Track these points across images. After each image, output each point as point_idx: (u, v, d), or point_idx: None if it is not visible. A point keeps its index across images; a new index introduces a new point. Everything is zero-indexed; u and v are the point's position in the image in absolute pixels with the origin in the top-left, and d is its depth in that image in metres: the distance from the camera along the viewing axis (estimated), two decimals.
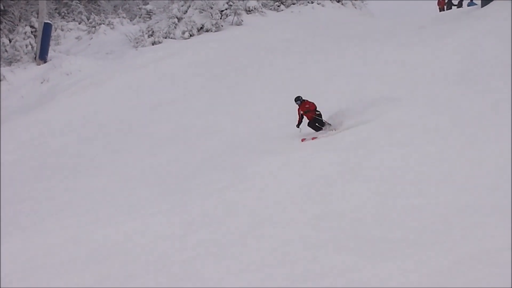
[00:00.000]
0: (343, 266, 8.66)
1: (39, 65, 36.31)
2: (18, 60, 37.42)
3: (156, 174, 19.36)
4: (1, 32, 40.00)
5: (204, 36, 37.38)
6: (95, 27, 44.21)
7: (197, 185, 16.89)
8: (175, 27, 38.69)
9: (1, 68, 36.39)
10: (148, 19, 44.57)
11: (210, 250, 10.93)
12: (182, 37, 37.99)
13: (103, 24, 44.19)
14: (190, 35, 38.10)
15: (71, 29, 45.57)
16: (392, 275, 8.16)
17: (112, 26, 43.97)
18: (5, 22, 41.61)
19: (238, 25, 38.97)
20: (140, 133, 24.58)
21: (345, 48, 28.92)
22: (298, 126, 19.97)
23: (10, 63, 37.69)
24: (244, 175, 16.62)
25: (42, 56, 36.58)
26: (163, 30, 38.51)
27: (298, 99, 20.01)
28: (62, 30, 45.18)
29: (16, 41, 38.58)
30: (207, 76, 29.61)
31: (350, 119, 19.06)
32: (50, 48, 37.34)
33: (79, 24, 46.58)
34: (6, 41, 39.09)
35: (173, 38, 37.96)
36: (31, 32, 38.81)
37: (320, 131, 19.69)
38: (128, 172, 20.52)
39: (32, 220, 17.11)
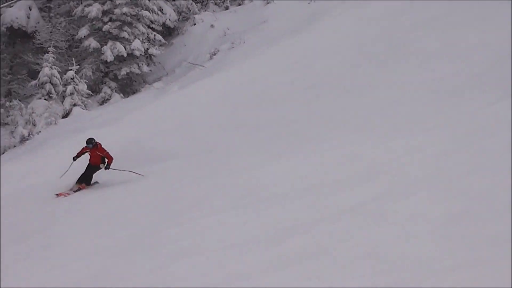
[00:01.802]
0: None
1: None
2: None
3: (429, 89, 18.76)
4: None
5: None
6: None
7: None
8: None
9: None
10: None
11: None
12: None
13: None
14: None
15: None
16: None
17: None
18: None
19: None
20: (406, 50, 24.00)
21: None
22: (74, 159, 19.19)
23: None
24: None
25: None
26: None
27: (90, 142, 18.97)
28: None
29: None
30: None
31: None
32: None
33: None
34: None
35: None
36: None
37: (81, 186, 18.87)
38: (401, 89, 20.14)
39: (307, 139, 17.48)
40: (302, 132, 18.99)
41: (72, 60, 33.58)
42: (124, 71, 34.51)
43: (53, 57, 32.81)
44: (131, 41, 34.33)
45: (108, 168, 19.16)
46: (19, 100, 32.65)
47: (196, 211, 12.99)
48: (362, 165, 13.07)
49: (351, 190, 11.38)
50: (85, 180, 19.20)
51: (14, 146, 29.27)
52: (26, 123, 30.48)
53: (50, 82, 32.17)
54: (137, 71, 34.84)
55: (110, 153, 19.16)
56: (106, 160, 19.16)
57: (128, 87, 35.54)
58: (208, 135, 21.96)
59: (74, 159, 19.29)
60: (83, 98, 31.96)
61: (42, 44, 35.62)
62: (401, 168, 11.98)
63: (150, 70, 35.80)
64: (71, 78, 31.91)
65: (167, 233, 11.74)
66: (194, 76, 30.12)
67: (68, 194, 18.69)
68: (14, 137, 29.88)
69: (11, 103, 32.02)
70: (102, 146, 19.21)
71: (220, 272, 8.69)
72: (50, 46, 33.39)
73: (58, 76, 32.36)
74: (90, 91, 32.98)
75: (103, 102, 34.00)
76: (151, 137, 22.90)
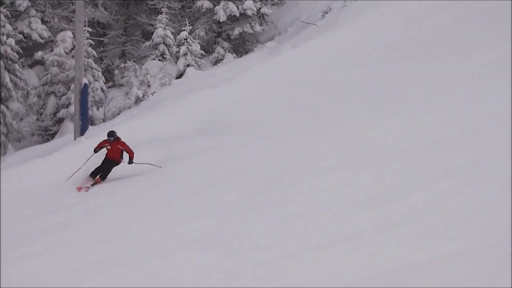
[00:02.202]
0: None
1: None
2: None
3: None
4: None
5: None
6: None
7: None
8: None
9: None
10: None
11: None
12: None
13: None
14: None
15: None
16: None
17: None
18: None
19: None
20: None
21: None
22: (95, 151, 18.43)
23: None
24: None
25: None
26: None
27: (111, 135, 18.18)
28: None
29: None
30: None
31: None
32: None
33: None
34: None
35: None
36: None
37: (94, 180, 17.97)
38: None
39: (415, 100, 17.17)
40: (410, 92, 18.59)
41: (185, 21, 33.86)
42: (236, 31, 34.56)
43: (167, 18, 33.20)
44: (244, 0, 34.26)
45: (131, 163, 18.21)
46: (134, 61, 33.13)
47: (302, 173, 13.00)
48: (469, 124, 13.05)
49: (457, 150, 11.40)
50: (101, 174, 18.24)
51: (129, 107, 29.82)
52: (141, 84, 30.98)
53: (163, 43, 32.62)
54: (250, 30, 34.82)
55: (130, 147, 18.32)
56: (128, 154, 18.27)
57: (241, 47, 35.61)
58: (320, 95, 21.70)
59: (96, 151, 18.36)
60: (196, 58, 32.27)
61: (155, 5, 36.00)
62: (508, 128, 11.76)
63: (263, 30, 35.71)
64: (184, 39, 32.26)
65: (275, 195, 11.83)
66: (306, 35, 29.89)
67: (88, 188, 17.71)
68: (129, 98, 30.44)
69: (125, 64, 32.54)
70: (123, 140, 18.36)
71: (329, 234, 8.72)
72: (163, 7, 33.79)
73: (172, 37, 32.76)
74: (203, 52, 33.28)
75: (216, 62, 34.21)
76: (262, 97, 22.89)
